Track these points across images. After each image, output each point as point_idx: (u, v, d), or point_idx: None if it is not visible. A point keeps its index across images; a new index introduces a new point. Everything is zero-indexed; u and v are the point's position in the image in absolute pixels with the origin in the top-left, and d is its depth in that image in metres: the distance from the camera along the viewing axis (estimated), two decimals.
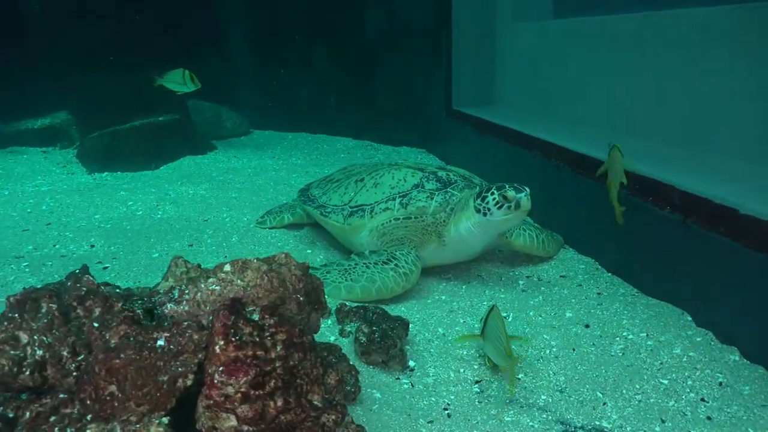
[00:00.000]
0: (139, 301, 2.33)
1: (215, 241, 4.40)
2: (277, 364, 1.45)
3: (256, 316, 1.59)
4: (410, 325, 3.11)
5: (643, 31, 4.43)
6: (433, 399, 2.54)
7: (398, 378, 2.68)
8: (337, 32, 8.83)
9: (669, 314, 3.13)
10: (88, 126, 7.75)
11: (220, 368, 1.39)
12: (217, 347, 1.43)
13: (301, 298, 1.93)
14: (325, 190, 4.24)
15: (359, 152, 8.13)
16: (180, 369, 1.46)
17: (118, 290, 2.75)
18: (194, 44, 8.84)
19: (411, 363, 2.80)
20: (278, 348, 1.49)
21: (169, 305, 1.93)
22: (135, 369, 1.43)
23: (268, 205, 5.23)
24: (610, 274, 3.74)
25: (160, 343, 1.52)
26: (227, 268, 2.01)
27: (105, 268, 3.95)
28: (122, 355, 1.45)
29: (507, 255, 4.15)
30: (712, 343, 2.86)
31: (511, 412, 2.47)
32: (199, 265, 2.35)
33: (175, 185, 5.92)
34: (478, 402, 2.54)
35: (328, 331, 2.94)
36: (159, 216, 5.01)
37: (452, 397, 2.57)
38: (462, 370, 2.77)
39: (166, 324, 1.79)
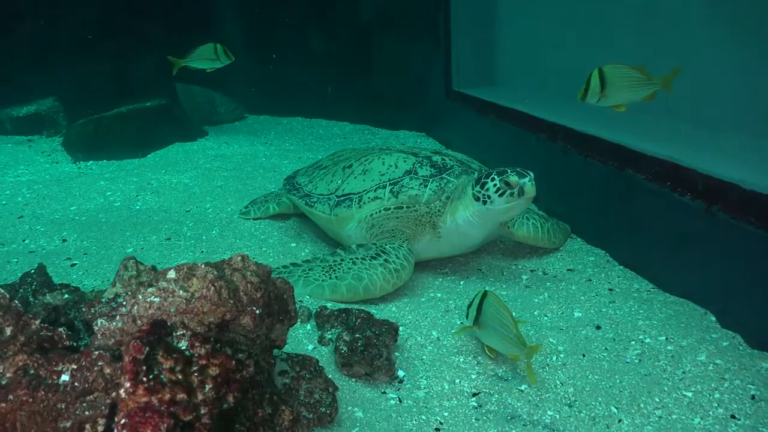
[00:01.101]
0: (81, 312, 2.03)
1: (195, 234, 4.08)
2: (203, 411, 1.13)
3: (184, 344, 1.27)
4: (401, 328, 2.80)
5: (656, 1, 4.05)
6: (423, 417, 2.22)
7: (384, 392, 2.36)
8: (332, 13, 8.44)
9: (690, 314, 2.79)
10: (75, 113, 7.48)
11: (123, 420, 1.08)
12: (122, 390, 1.11)
13: (258, 311, 1.61)
14: (312, 178, 3.91)
15: (356, 136, 7.78)
16: (87, 412, 1.15)
17: (66, 296, 2.45)
18: (185, 28, 8.49)
19: (400, 373, 2.48)
20: (207, 388, 1.17)
21: (100, 321, 1.61)
22: (27, 414, 1.12)
23: (255, 194, 4.91)
24: (622, 267, 3.40)
25: (65, 378, 1.21)
26: (171, 274, 1.69)
27: (73, 265, 3.65)
28: (11, 397, 1.14)
29: (509, 246, 3.82)
30: (741, 347, 2.52)
31: (513, 431, 2.16)
32: (153, 268, 2.02)
33: (159, 173, 5.60)
34: (476, 419, 2.23)
35: (306, 339, 2.62)
36: (138, 207, 4.70)
37: (446, 414, 2.26)
38: (458, 381, 2.45)
39: (92, 346, 1.47)
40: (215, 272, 1.65)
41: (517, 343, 2.32)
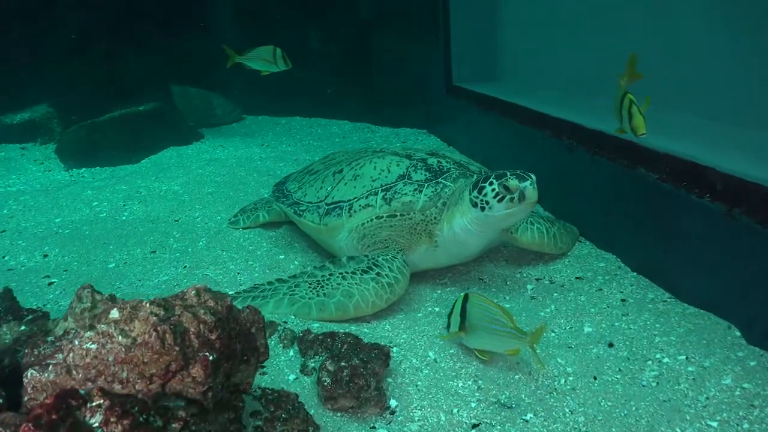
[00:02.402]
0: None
1: (181, 245, 3.87)
2: None
3: (97, 419, 1.05)
4: (394, 350, 2.58)
5: None
6: None
7: (374, 427, 2.13)
8: (330, 10, 8.20)
9: (712, 328, 2.54)
10: (69, 118, 7.33)
11: None
12: None
13: (212, 357, 1.38)
14: (302, 184, 3.68)
15: (356, 135, 7.55)
16: None
17: (24, 327, 2.25)
18: (180, 28, 8.31)
19: (392, 402, 2.25)
20: None
21: (30, 371, 1.39)
22: None
23: (246, 200, 4.69)
24: (635, 273, 3.15)
25: None
26: (114, 314, 1.47)
27: (51, 284, 3.45)
28: None
29: (513, 252, 3.57)
30: None
31: None
32: (111, 297, 1.81)
33: (149, 180, 5.39)
34: None
35: (288, 367, 2.38)
36: (124, 218, 4.49)
37: None
38: (456, 411, 2.22)
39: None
40: (162, 312, 1.43)
41: (516, 335, 2.23)
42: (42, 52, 7.55)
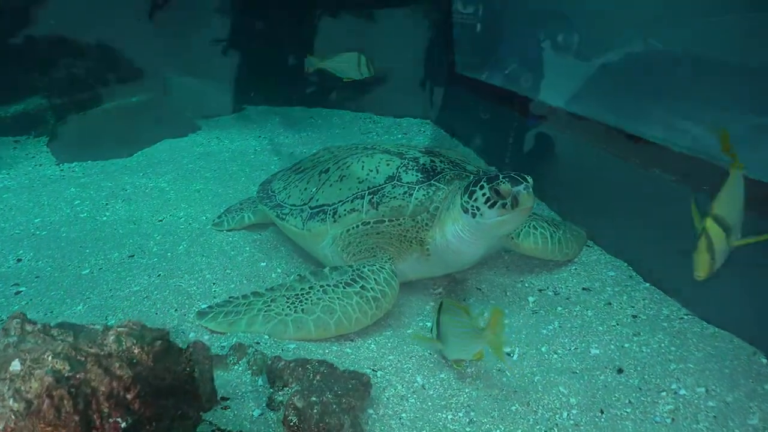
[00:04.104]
0: None
1: (161, 249, 3.63)
2: None
3: None
4: (378, 373, 2.34)
5: None
6: None
7: None
8: None
9: (734, 354, 2.25)
10: (63, 111, 7.13)
11: None
12: None
13: (126, 422, 1.13)
14: (287, 184, 3.42)
15: (356, 126, 7.26)
16: None
17: None
18: (177, 17, 8.04)
19: None
20: None
21: None
22: None
23: (235, 198, 4.43)
24: (648, 284, 2.86)
25: None
26: (15, 366, 1.23)
27: (18, 293, 3.23)
28: None
29: (515, 258, 3.29)
30: None
31: None
32: (45, 328, 1.56)
33: (136, 176, 5.17)
34: None
35: (253, 400, 2.12)
36: (105, 218, 4.26)
37: None
38: None
39: None
40: (66, 367, 1.17)
41: (474, 332, 2.09)
42: (35, 43, 7.35)
